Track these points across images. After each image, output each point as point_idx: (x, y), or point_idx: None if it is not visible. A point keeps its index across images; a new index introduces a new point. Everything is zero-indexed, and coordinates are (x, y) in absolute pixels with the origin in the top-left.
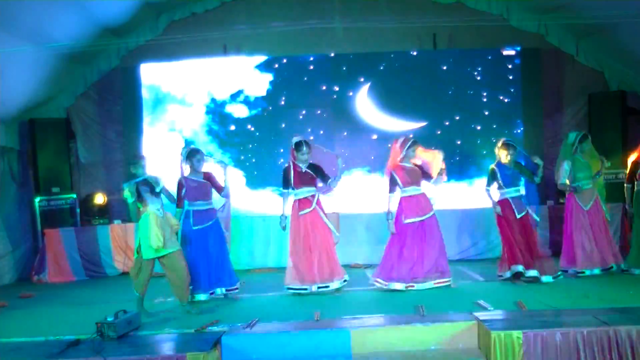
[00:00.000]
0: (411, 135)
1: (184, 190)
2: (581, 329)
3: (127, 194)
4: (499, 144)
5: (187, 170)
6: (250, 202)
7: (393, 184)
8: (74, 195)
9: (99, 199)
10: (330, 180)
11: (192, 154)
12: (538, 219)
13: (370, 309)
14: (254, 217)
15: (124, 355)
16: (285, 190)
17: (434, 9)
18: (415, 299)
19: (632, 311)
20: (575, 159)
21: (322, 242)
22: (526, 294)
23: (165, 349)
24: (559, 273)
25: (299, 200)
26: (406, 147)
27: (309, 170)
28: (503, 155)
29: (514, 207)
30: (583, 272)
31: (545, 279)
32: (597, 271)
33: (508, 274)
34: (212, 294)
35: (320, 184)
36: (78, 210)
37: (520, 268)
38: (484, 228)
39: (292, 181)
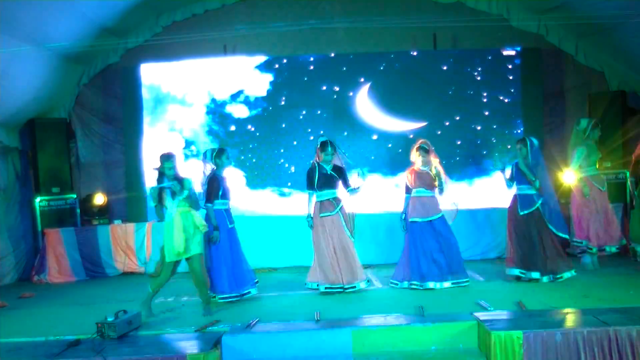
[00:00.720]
0: (416, 139)
1: (221, 188)
2: (581, 329)
3: (151, 197)
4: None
5: (209, 170)
6: (251, 203)
7: (406, 186)
8: (74, 195)
9: (99, 199)
10: (350, 188)
11: (221, 153)
12: (567, 236)
13: (371, 309)
14: (254, 217)
15: (124, 356)
16: (310, 191)
17: (434, 9)
18: (416, 299)
19: (632, 311)
20: (589, 145)
21: (343, 244)
22: (526, 294)
23: (165, 349)
24: (560, 275)
25: (321, 202)
26: (414, 151)
27: (333, 173)
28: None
29: (519, 203)
30: (604, 249)
31: (546, 278)
32: (614, 249)
33: (507, 272)
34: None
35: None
36: (78, 210)
37: (515, 272)
38: (484, 228)
39: (316, 182)
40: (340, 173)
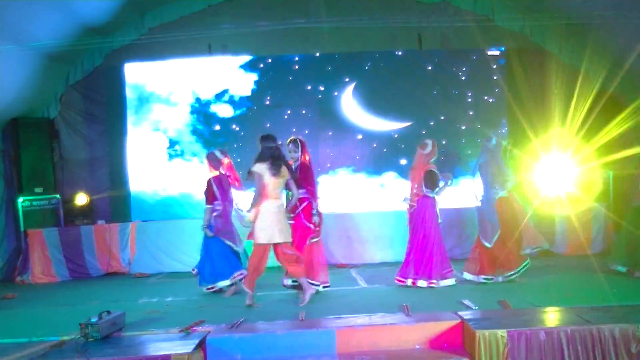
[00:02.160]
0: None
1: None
2: (565, 328)
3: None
4: None
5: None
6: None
7: (435, 183)
8: (58, 196)
9: (83, 199)
10: (297, 193)
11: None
12: (488, 245)
13: (355, 309)
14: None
15: (108, 356)
16: None
17: (419, 9)
18: (401, 299)
19: (615, 310)
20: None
21: (297, 247)
22: (510, 293)
23: (149, 349)
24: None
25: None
26: (434, 147)
27: (295, 173)
28: None
29: None
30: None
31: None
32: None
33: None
34: None
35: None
36: (62, 210)
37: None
38: (469, 227)
39: None
40: (304, 174)
